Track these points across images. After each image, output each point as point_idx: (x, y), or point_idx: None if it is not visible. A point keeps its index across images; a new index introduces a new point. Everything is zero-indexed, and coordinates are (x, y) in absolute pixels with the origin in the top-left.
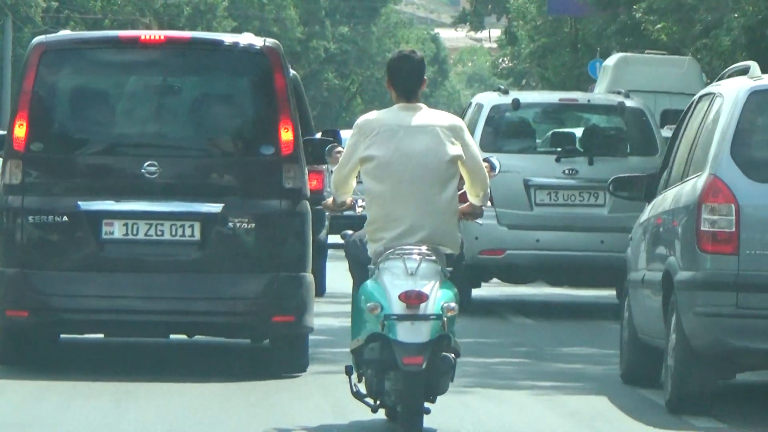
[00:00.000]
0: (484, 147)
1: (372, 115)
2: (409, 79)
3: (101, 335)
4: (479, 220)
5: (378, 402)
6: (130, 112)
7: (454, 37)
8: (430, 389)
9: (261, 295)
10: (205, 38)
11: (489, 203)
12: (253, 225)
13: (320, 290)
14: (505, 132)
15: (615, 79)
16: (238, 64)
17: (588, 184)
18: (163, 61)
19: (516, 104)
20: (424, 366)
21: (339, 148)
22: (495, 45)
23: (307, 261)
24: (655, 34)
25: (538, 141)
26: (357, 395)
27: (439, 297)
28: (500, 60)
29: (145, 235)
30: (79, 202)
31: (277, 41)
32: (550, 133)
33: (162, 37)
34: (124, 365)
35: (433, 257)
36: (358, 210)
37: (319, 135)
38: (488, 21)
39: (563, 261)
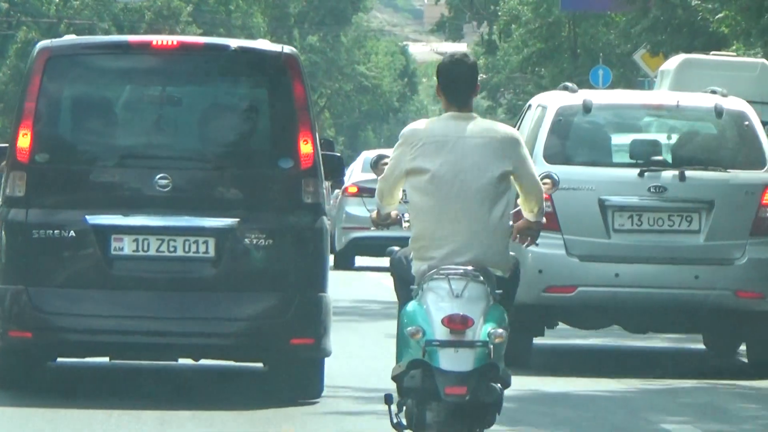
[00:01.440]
0: (549, 158)
1: (420, 124)
2: (462, 85)
3: (106, 358)
4: (533, 247)
5: None
6: (141, 121)
7: (419, 51)
8: (475, 422)
9: (280, 315)
10: (219, 44)
11: (552, 228)
12: (271, 241)
13: None
14: (575, 140)
15: (676, 85)
16: (255, 71)
17: (679, 204)
18: (175, 68)
19: (588, 106)
20: (467, 397)
21: (385, 159)
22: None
23: (325, 280)
24: (715, 25)
25: (612, 150)
26: (397, 427)
27: (486, 322)
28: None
29: (157, 251)
30: (86, 216)
31: (294, 48)
32: (629, 141)
33: (175, 43)
34: (128, 391)
35: (481, 278)
36: (405, 225)
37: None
38: (467, 29)
39: (648, 301)
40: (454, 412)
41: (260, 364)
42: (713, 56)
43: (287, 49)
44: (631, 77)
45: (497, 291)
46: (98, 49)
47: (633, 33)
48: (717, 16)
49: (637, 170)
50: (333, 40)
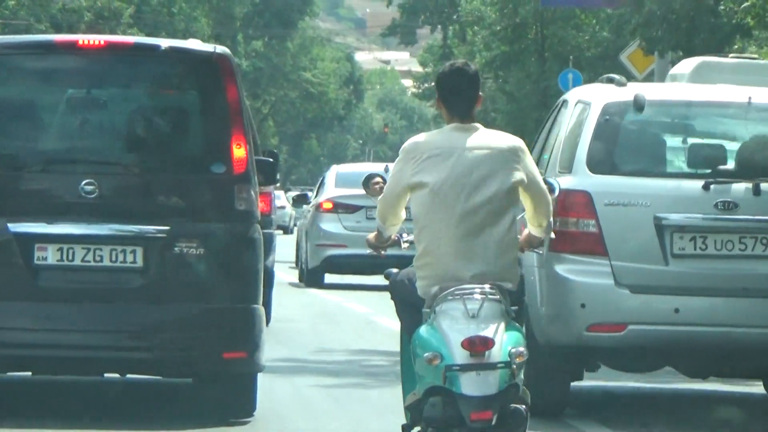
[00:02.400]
0: (594, 166)
1: (421, 137)
2: (463, 95)
3: (29, 373)
4: (573, 275)
5: None
6: (66, 124)
7: (363, 59)
8: None
9: (211, 328)
10: (149, 44)
11: (598, 252)
12: (202, 251)
13: (267, 318)
14: (625, 144)
15: None
16: (186, 72)
17: (753, 224)
18: (103, 69)
19: (640, 103)
20: (494, 422)
21: (377, 178)
22: (406, 67)
23: (259, 291)
24: (740, 15)
25: (670, 157)
26: None
27: (505, 341)
28: (417, 84)
29: (82, 260)
30: (8, 224)
31: (227, 49)
32: (690, 145)
33: (102, 42)
34: (51, 408)
35: (497, 296)
36: (404, 246)
37: None
38: (420, 34)
39: (715, 341)
40: None
41: (190, 380)
42: (733, 58)
43: (219, 49)
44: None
45: (512, 308)
46: (22, 49)
47: (627, 29)
48: (743, 5)
49: (701, 182)
50: (278, 45)
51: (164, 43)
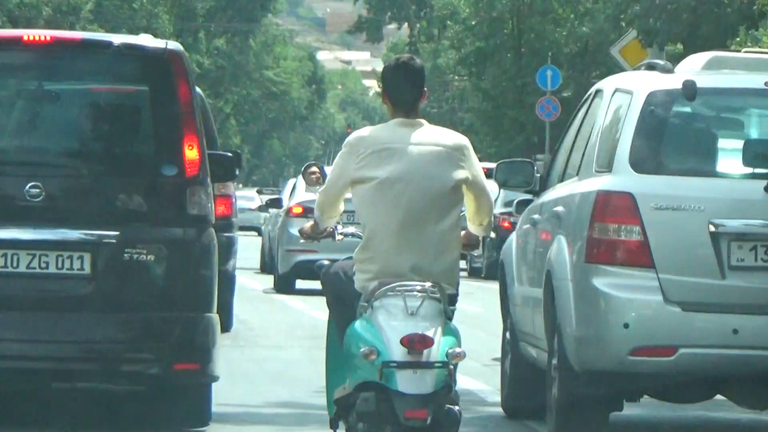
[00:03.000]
0: (638, 165)
1: (365, 131)
2: (408, 90)
3: None
4: (616, 291)
5: None
6: (10, 124)
7: (323, 59)
8: None
9: (161, 338)
10: (97, 39)
11: (643, 263)
12: (153, 257)
13: (227, 325)
14: (674, 139)
15: None
16: (136, 69)
17: None
18: (49, 66)
19: (690, 91)
20: (428, 421)
21: (314, 168)
22: (368, 67)
23: (213, 299)
24: (762, 3)
25: (725, 154)
26: None
27: (443, 341)
28: (381, 83)
29: (27, 267)
30: None
31: (179, 45)
32: (745, 141)
33: (48, 38)
34: None
35: (437, 295)
36: (338, 237)
37: None
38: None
39: None
40: None
41: (143, 389)
42: (747, 53)
43: (171, 45)
44: (582, 79)
45: (451, 308)
46: None
47: (624, 19)
48: None
49: (762, 183)
50: (241, 43)
51: (114, 38)
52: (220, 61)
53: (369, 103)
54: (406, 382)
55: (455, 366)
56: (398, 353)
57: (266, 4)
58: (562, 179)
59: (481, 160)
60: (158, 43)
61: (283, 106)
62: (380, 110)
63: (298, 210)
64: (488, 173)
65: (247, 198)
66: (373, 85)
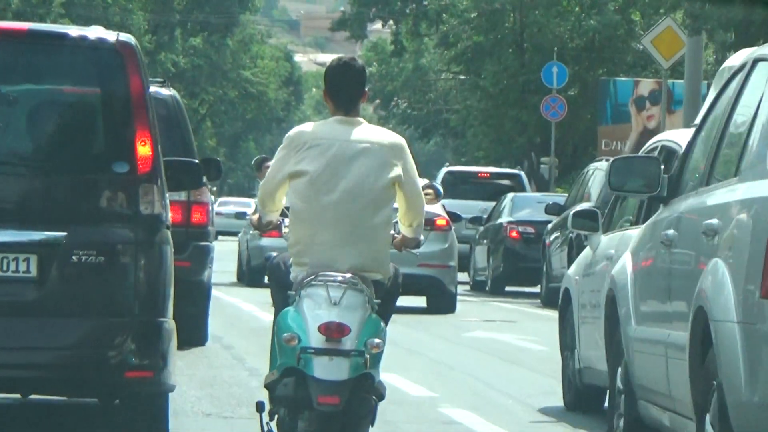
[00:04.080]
0: None
1: (306, 126)
2: (349, 89)
3: None
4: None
5: None
6: None
7: (298, 61)
8: None
9: (112, 345)
10: (45, 31)
11: None
12: (103, 259)
13: (202, 339)
14: None
15: None
16: (86, 62)
17: None
18: None
19: None
20: (341, 407)
21: (269, 162)
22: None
23: (167, 304)
24: None
25: None
26: None
27: (363, 331)
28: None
29: None
30: None
31: (132, 36)
32: None
33: None
34: None
35: (360, 286)
36: (285, 230)
37: None
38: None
39: None
40: (327, 421)
41: (95, 400)
42: None
43: (123, 36)
44: (588, 76)
45: (375, 301)
46: None
47: (665, 3)
48: None
49: None
50: (218, 41)
51: (62, 29)
52: (196, 61)
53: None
54: (322, 369)
55: (374, 356)
56: (316, 340)
57: (244, 1)
58: (707, 182)
59: (478, 163)
60: (109, 35)
61: (260, 107)
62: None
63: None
64: (489, 176)
65: (243, 204)
66: None
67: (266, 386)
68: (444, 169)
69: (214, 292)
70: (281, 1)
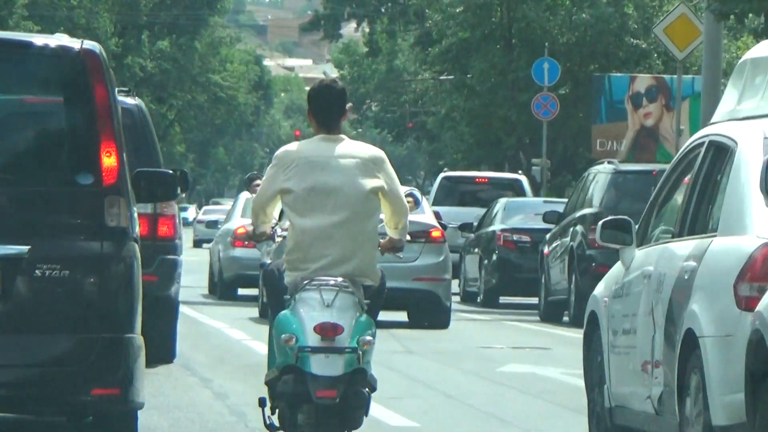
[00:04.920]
0: None
1: (292, 146)
2: (331, 109)
3: None
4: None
5: None
6: None
7: (266, 65)
8: (344, 424)
9: (77, 361)
10: (6, 39)
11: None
12: (67, 273)
13: (170, 355)
14: None
15: None
16: (49, 71)
17: None
18: None
19: None
20: (337, 400)
21: (258, 180)
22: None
23: (135, 318)
24: None
25: None
26: (270, 427)
27: (355, 329)
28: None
29: None
30: None
31: (97, 44)
32: None
33: None
34: None
35: (351, 289)
36: (278, 240)
37: None
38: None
39: None
40: (325, 414)
41: (63, 418)
42: None
43: (87, 44)
44: (580, 73)
45: (365, 301)
46: None
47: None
48: None
49: None
50: (186, 44)
51: (24, 37)
52: (164, 65)
53: None
54: (318, 365)
55: (366, 352)
56: (312, 339)
57: (213, 2)
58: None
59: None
60: (73, 43)
61: (229, 111)
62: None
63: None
64: (487, 182)
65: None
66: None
67: (267, 383)
68: (441, 175)
69: (185, 307)
70: (248, 6)
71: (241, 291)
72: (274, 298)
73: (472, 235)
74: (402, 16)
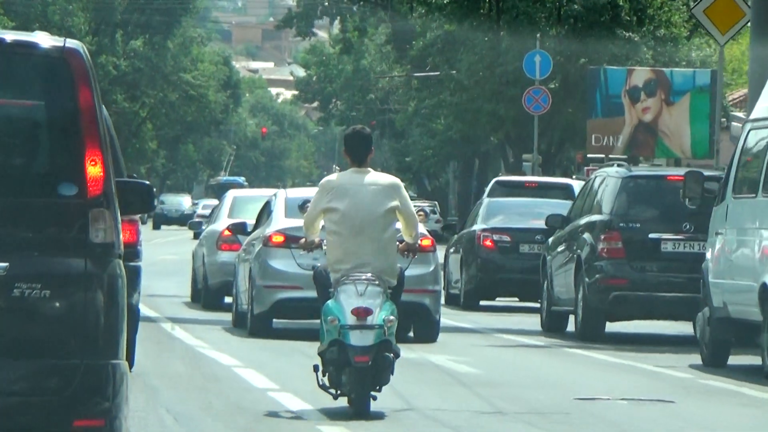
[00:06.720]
0: None
1: (333, 176)
2: (360, 149)
3: None
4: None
5: (338, 392)
6: None
7: (232, 66)
8: (376, 381)
9: (59, 390)
10: None
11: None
12: (48, 293)
13: (129, 364)
14: None
15: None
16: (29, 72)
17: None
18: None
19: None
20: (370, 363)
21: (308, 204)
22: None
23: (120, 343)
24: None
25: None
26: (322, 387)
27: (381, 312)
28: (301, 87)
29: None
30: None
31: (80, 43)
32: None
33: None
34: None
35: (377, 282)
36: (325, 248)
37: None
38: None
39: None
40: (361, 374)
41: None
42: None
43: (71, 43)
44: (570, 66)
45: (389, 290)
46: None
47: None
48: None
49: None
50: (159, 43)
51: (4, 36)
52: (138, 63)
53: (279, 110)
54: (355, 338)
55: (390, 327)
56: (350, 320)
57: (186, 3)
58: None
59: (426, 162)
60: (55, 42)
61: (199, 109)
62: (289, 116)
63: (279, 239)
64: (537, 186)
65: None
66: (281, 92)
67: (319, 354)
68: (493, 180)
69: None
70: (214, 12)
71: (228, 299)
72: (323, 291)
73: (455, 236)
74: (373, 14)
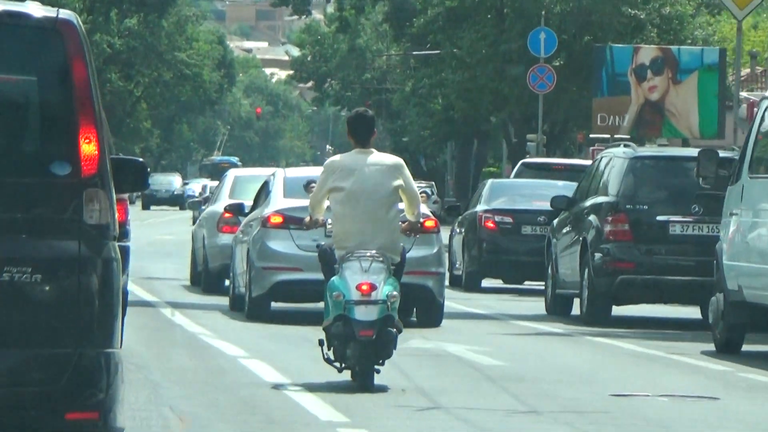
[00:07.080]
0: None
1: (337, 157)
2: (363, 131)
3: None
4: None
5: (343, 365)
6: None
7: (227, 45)
8: (379, 355)
9: (49, 381)
10: None
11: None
12: (39, 277)
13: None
14: None
15: None
16: (20, 45)
17: None
18: None
19: None
20: (374, 337)
21: (313, 184)
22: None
23: (115, 331)
24: None
25: None
26: (327, 361)
27: (384, 287)
28: (296, 67)
29: None
30: None
31: (74, 13)
32: None
33: None
34: None
35: (381, 259)
36: (329, 227)
37: None
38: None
39: None
40: (365, 347)
41: None
42: None
43: (64, 13)
44: (575, 44)
45: (392, 267)
46: None
47: None
48: None
49: None
50: (154, 22)
51: None
52: (132, 42)
53: (273, 90)
54: (360, 313)
55: (393, 303)
56: (355, 295)
57: None
58: None
59: (424, 143)
60: (48, 12)
61: (194, 89)
62: (283, 96)
63: (278, 219)
64: (563, 168)
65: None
66: (276, 72)
67: (324, 329)
68: (520, 162)
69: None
70: None
71: (228, 282)
72: (328, 268)
73: (459, 218)
74: None
